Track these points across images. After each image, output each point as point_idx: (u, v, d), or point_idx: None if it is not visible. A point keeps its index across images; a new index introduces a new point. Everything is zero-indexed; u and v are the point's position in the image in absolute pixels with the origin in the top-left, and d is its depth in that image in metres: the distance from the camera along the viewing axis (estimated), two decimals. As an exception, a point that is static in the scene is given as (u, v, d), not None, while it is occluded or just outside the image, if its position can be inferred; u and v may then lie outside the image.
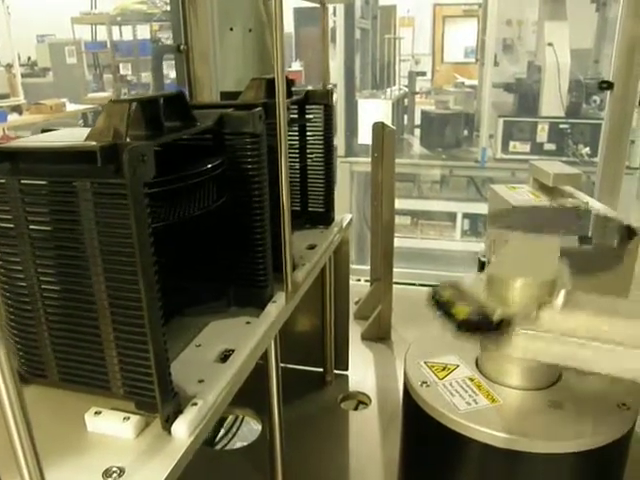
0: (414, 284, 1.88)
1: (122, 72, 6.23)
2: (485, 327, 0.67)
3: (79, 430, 0.56)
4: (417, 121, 4.28)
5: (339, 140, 3.47)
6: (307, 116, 1.06)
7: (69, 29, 6.37)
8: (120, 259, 0.51)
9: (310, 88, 1.07)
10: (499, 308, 0.67)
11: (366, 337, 1.45)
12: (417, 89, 4.76)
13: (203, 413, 0.57)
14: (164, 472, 0.51)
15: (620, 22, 1.47)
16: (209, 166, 0.66)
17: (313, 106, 1.05)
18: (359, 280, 1.78)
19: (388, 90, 4.23)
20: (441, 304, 0.70)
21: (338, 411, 1.22)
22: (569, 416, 0.69)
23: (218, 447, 1.19)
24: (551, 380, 0.74)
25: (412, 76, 4.62)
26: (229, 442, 1.21)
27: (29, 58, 6.84)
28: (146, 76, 5.97)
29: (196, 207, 0.65)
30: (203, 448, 1.15)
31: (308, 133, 1.07)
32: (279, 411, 0.87)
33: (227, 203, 0.73)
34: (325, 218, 1.10)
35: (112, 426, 0.56)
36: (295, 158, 1.07)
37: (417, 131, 4.24)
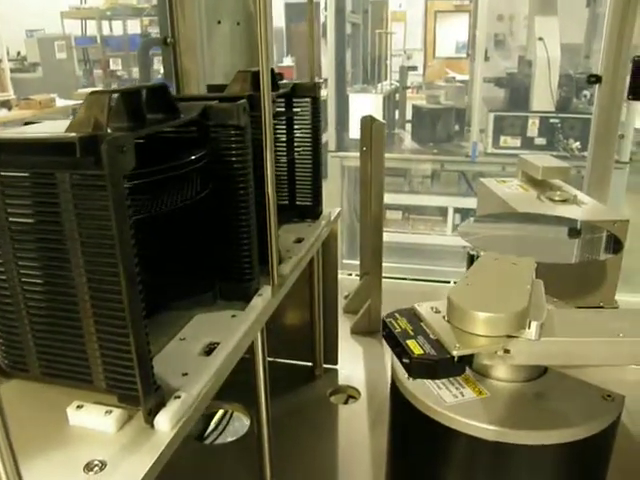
0: (405, 278, 1.88)
1: (112, 67, 6.19)
2: (442, 364, 0.62)
3: (61, 424, 0.56)
4: (409, 116, 4.28)
5: (330, 135, 3.46)
6: (294, 109, 1.05)
7: (59, 24, 6.33)
8: (100, 251, 0.50)
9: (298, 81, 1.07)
10: (459, 343, 0.62)
11: (355, 331, 1.44)
12: (409, 84, 4.75)
13: (186, 406, 0.57)
14: (146, 465, 0.50)
15: (608, 16, 1.48)
16: (191, 158, 0.66)
17: (300, 99, 1.05)
18: (350, 274, 1.78)
19: (379, 85, 4.22)
20: (394, 336, 0.66)
21: (327, 405, 1.22)
22: (555, 408, 0.69)
23: (208, 441, 1.18)
24: (538, 372, 0.74)
25: (403, 71, 4.61)
26: (219, 436, 1.21)
27: (19, 53, 6.78)
28: (137, 71, 5.93)
29: (179, 199, 0.65)
30: (193, 442, 1.15)
31: (295, 126, 1.06)
32: (266, 404, 0.87)
33: (212, 196, 0.73)
34: (313, 211, 1.10)
35: (94, 419, 0.55)
36: (283, 151, 1.07)
37: (408, 126, 4.24)
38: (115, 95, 0.57)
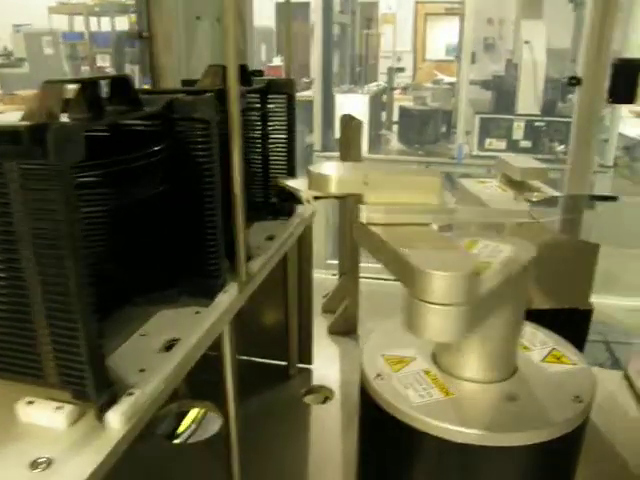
0: (387, 279, 1.87)
1: (100, 64, 6.15)
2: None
3: (10, 420, 0.55)
4: (396, 117, 4.27)
5: (316, 135, 3.45)
6: (269, 105, 1.04)
7: (46, 19, 6.29)
8: (48, 243, 0.49)
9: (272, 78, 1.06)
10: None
11: (332, 331, 1.43)
12: (396, 85, 4.75)
13: (140, 403, 0.55)
14: (94, 462, 0.49)
15: (589, 19, 1.48)
16: (150, 151, 0.64)
17: (276, 95, 1.04)
18: (335, 274, 1.76)
19: (366, 86, 4.22)
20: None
21: (301, 405, 1.21)
22: (523, 409, 0.69)
23: (178, 440, 1.17)
24: (507, 373, 0.74)
25: (391, 72, 4.61)
26: (190, 436, 1.19)
27: (5, 48, 6.74)
28: (127, 68, 5.90)
29: (139, 192, 0.63)
30: (163, 441, 1.14)
31: (269, 123, 1.05)
32: (235, 403, 0.86)
33: (177, 190, 0.72)
34: (287, 209, 1.09)
35: (44, 416, 0.54)
36: (257, 148, 1.05)
37: (395, 127, 4.23)
38: (69, 86, 0.56)
